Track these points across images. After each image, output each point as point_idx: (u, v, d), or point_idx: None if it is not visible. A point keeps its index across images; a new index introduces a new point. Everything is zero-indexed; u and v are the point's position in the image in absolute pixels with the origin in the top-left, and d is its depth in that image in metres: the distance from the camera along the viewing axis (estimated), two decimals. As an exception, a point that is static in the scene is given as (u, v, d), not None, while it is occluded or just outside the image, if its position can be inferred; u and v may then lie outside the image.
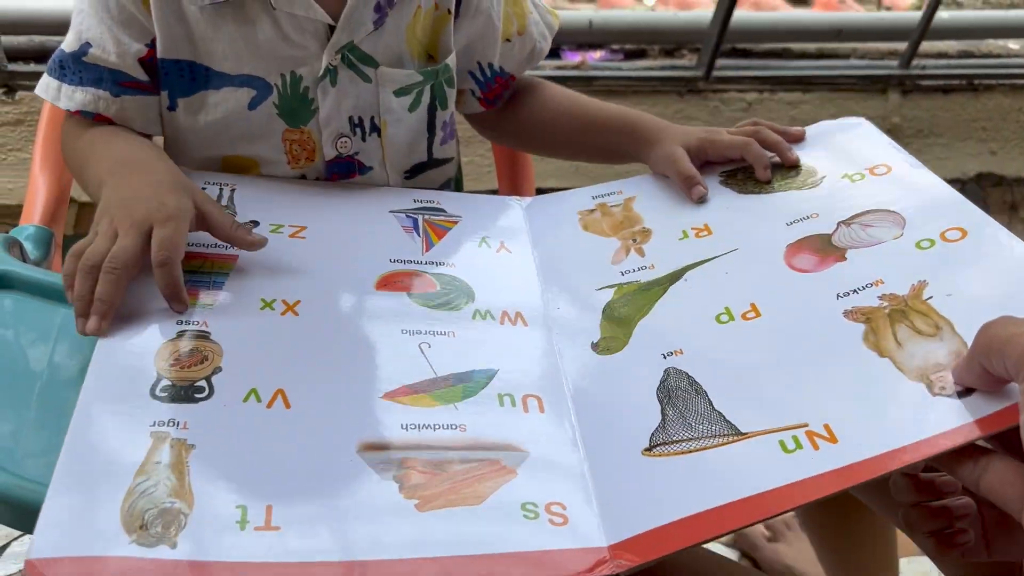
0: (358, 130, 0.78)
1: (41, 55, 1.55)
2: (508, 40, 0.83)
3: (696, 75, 1.85)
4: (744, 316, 0.61)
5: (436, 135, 0.83)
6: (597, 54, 1.91)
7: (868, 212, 0.66)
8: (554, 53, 1.87)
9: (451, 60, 0.81)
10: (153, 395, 0.54)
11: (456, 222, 0.76)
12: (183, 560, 0.45)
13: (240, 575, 0.45)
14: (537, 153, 0.97)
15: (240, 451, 0.52)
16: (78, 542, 0.45)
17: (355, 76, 0.75)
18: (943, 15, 2.05)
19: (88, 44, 0.72)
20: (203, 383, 0.56)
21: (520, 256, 0.73)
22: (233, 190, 0.74)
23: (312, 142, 0.77)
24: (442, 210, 0.78)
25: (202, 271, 0.65)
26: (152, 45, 0.73)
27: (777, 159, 0.76)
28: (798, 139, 0.78)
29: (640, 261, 0.70)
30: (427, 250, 0.72)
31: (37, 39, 1.56)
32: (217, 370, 0.56)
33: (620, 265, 0.70)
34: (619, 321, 0.64)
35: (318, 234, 0.71)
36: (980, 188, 2.14)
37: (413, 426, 0.55)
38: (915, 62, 2.03)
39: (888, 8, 2.55)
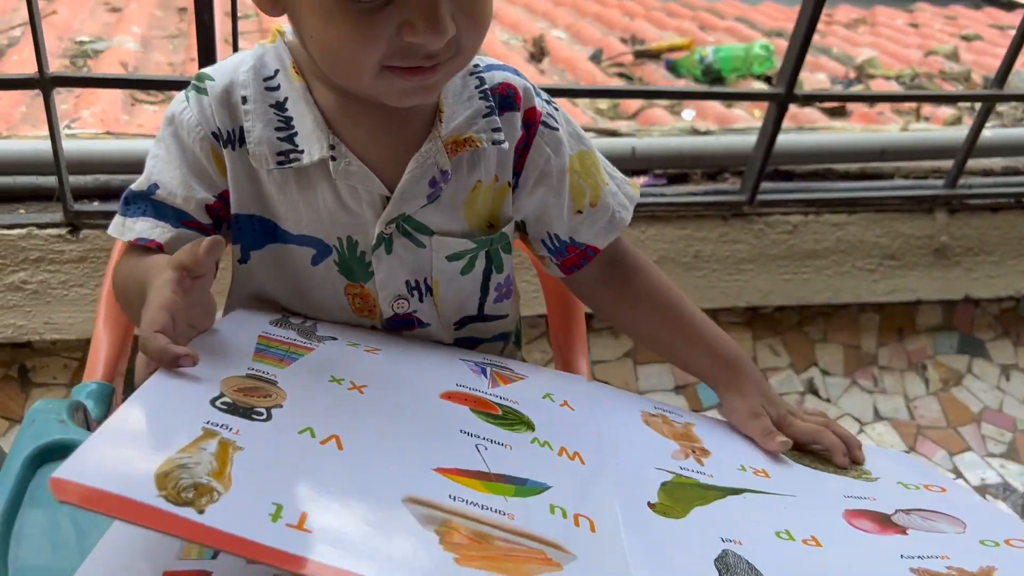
0: (415, 292, 0.79)
1: (105, 194, 1.61)
2: (580, 212, 0.83)
3: (740, 199, 1.86)
4: (804, 542, 0.60)
5: (489, 295, 0.85)
6: (640, 180, 1.93)
7: (928, 510, 0.67)
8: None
9: (508, 229, 0.82)
10: (212, 404, 0.55)
11: (523, 378, 0.77)
12: (206, 525, 0.44)
13: (260, 556, 0.43)
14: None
15: (285, 465, 0.51)
16: (108, 479, 0.44)
17: (409, 244, 0.77)
18: (987, 133, 2.06)
19: (156, 185, 0.74)
20: (262, 409, 0.56)
21: (582, 415, 0.73)
22: (315, 322, 0.77)
23: (372, 299, 0.79)
24: (510, 369, 0.79)
25: (279, 350, 0.67)
26: (220, 197, 0.75)
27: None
28: (856, 447, 0.80)
29: (699, 468, 0.69)
30: (493, 387, 0.73)
31: (102, 178, 1.61)
32: (278, 406, 0.57)
33: (680, 462, 0.69)
34: (677, 498, 0.63)
35: (391, 355, 0.74)
36: (1034, 306, 2.10)
37: (461, 499, 0.53)
38: (961, 180, 2.02)
39: (927, 119, 2.57)
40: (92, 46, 2.50)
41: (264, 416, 0.55)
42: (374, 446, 0.56)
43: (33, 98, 2.04)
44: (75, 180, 1.56)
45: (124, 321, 1.00)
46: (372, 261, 0.77)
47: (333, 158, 0.72)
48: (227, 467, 0.49)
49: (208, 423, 0.52)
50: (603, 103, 2.41)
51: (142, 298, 0.62)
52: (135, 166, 1.59)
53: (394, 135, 0.74)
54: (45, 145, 1.47)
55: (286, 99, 0.73)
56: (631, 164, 1.91)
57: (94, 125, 1.89)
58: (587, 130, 2.11)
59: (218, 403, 0.55)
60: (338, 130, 0.72)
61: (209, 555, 0.53)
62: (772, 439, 0.76)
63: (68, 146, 1.55)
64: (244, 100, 0.73)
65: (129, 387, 0.65)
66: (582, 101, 2.39)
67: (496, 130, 0.76)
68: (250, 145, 0.72)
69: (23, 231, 1.52)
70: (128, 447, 0.48)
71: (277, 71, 0.74)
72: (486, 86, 0.78)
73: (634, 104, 2.40)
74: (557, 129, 0.81)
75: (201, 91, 0.74)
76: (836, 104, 2.50)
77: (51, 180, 1.54)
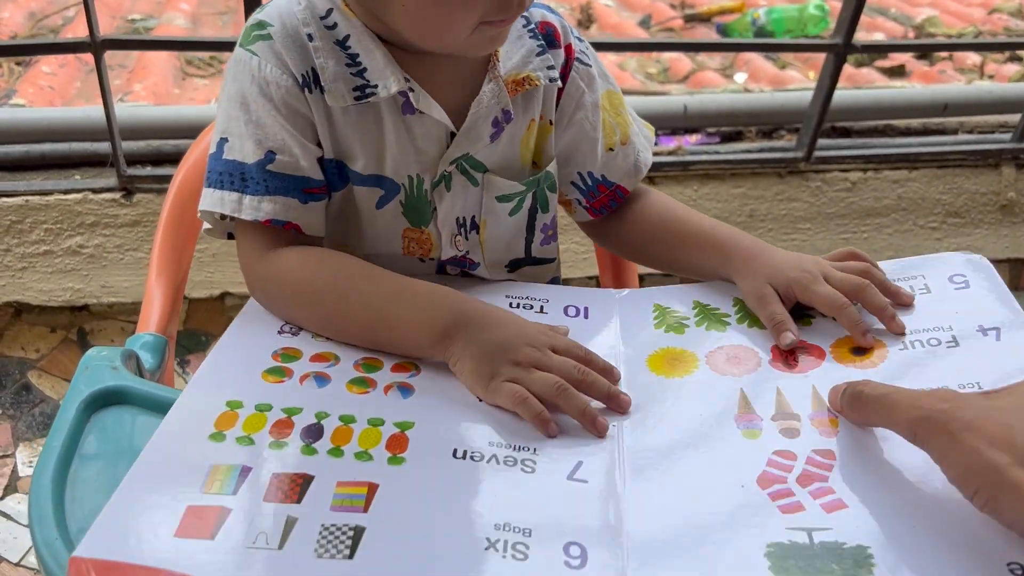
0: (462, 229, 0.78)
1: (157, 159, 1.62)
2: (611, 149, 0.82)
3: (797, 156, 1.81)
4: None
5: (536, 235, 0.83)
6: (693, 138, 1.89)
7: None
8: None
9: (552, 167, 0.81)
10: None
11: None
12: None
13: None
14: (640, 263, 0.95)
15: None
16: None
17: (466, 181, 0.76)
18: (1056, 85, 1.97)
19: (272, 152, 0.70)
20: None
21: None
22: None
23: (429, 242, 0.78)
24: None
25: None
26: (320, 146, 0.73)
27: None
28: (907, 304, 0.70)
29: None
30: None
31: (154, 143, 1.63)
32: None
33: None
34: None
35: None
36: (1108, 264, 2.02)
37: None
38: (1029, 134, 1.94)
39: (991, 76, 2.47)
40: (143, 24, 2.53)
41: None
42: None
43: (87, 74, 2.07)
44: (127, 146, 1.58)
45: (176, 277, 0.99)
46: (434, 199, 0.76)
47: (411, 89, 0.71)
48: None
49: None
50: (652, 67, 2.37)
51: (407, 315, 0.66)
52: (187, 131, 1.61)
53: (455, 73, 0.73)
54: (98, 111, 1.49)
55: (347, 36, 0.71)
56: (683, 122, 1.87)
57: (146, 98, 1.92)
58: (637, 93, 2.07)
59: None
60: (403, 67, 0.71)
61: (230, 491, 0.52)
62: (780, 335, 0.68)
63: (120, 112, 1.57)
64: (310, 38, 0.70)
65: (180, 347, 0.65)
66: (631, 66, 2.35)
67: (551, 68, 0.77)
68: (326, 83, 0.70)
69: (79, 196, 1.54)
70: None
71: (330, 10, 0.71)
72: (532, 24, 0.78)
73: (684, 68, 2.35)
74: (590, 66, 0.81)
75: (265, 38, 0.70)
76: (895, 63, 2.42)
77: (105, 146, 1.57)
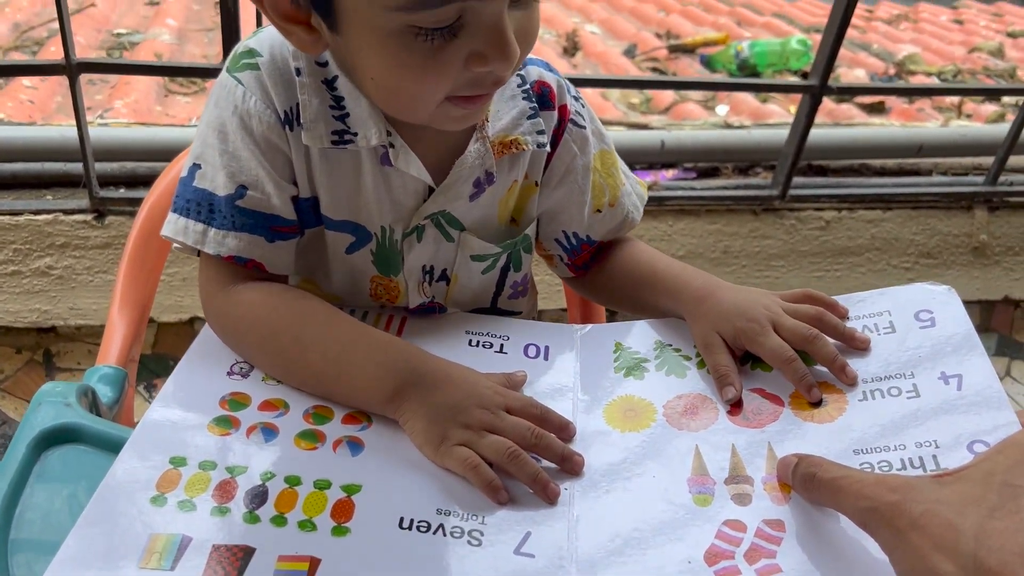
0: (428, 277, 0.78)
1: (131, 181, 1.62)
2: (599, 211, 0.81)
3: (772, 194, 1.82)
4: None
5: (504, 291, 0.83)
6: (669, 173, 1.90)
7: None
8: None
9: (531, 229, 0.80)
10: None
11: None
12: None
13: None
14: (607, 306, 0.94)
15: None
16: None
17: (440, 235, 0.75)
18: (1030, 129, 1.99)
19: (244, 187, 0.68)
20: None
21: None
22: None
23: (397, 290, 0.77)
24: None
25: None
26: (296, 184, 0.71)
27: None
28: (863, 350, 0.68)
29: None
30: None
31: (128, 165, 1.63)
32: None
33: None
34: None
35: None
36: (1078, 308, 2.03)
37: None
38: (1002, 178, 1.96)
39: (969, 115, 2.50)
40: (128, 38, 2.53)
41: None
42: None
43: (68, 89, 2.06)
44: (101, 167, 1.57)
45: (139, 306, 0.99)
46: (404, 248, 0.75)
47: (392, 144, 0.69)
48: None
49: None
50: (635, 98, 2.38)
51: (359, 369, 0.65)
52: (162, 153, 1.61)
53: (440, 129, 0.71)
54: (72, 132, 1.48)
55: (336, 77, 0.69)
56: (660, 157, 1.88)
57: (127, 115, 1.91)
58: (619, 124, 2.09)
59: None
60: (387, 117, 0.70)
61: (168, 565, 0.52)
62: (721, 389, 0.67)
63: (94, 133, 1.57)
64: (298, 72, 0.68)
65: (142, 372, 0.64)
66: (614, 96, 2.37)
67: (540, 132, 0.75)
68: (305, 121, 0.68)
69: (50, 216, 1.53)
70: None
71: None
72: (527, 84, 0.76)
73: (667, 99, 2.37)
74: (584, 127, 0.79)
75: (253, 67, 0.68)
76: (874, 100, 2.44)
77: (78, 167, 1.56)
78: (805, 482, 0.56)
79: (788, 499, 0.58)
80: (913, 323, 0.69)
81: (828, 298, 0.72)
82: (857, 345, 0.68)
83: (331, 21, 0.62)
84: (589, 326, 0.77)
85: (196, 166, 0.70)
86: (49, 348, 1.65)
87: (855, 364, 0.67)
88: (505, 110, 0.74)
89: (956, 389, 0.63)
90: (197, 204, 0.69)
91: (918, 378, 0.64)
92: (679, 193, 1.80)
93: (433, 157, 0.71)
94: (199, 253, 0.73)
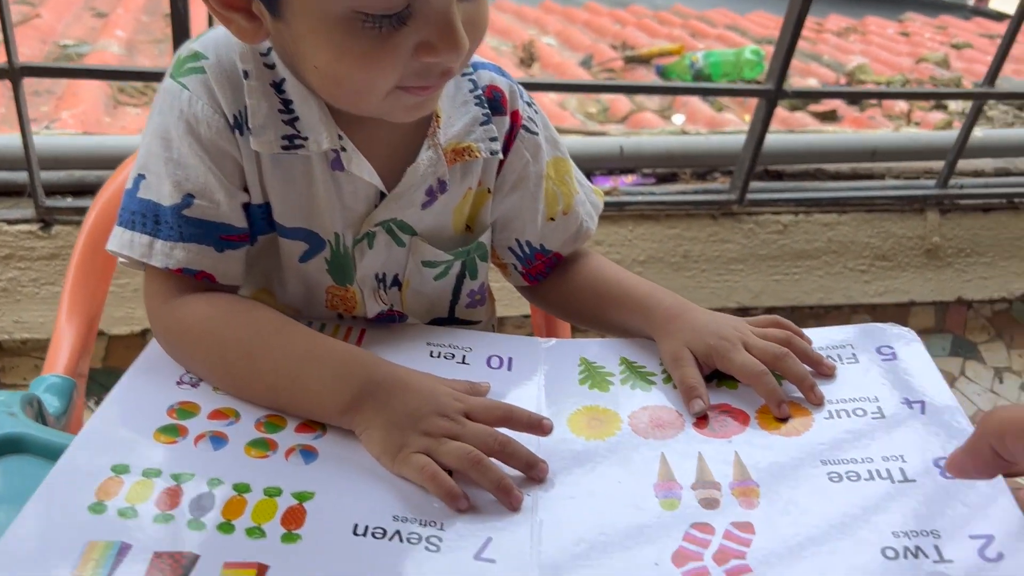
0: (381, 284, 0.76)
1: (79, 190, 1.57)
2: (552, 219, 0.80)
3: (730, 199, 1.83)
4: None
5: (461, 299, 0.81)
6: (629, 179, 1.91)
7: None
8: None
9: (486, 237, 0.78)
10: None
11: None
12: None
13: None
14: (570, 322, 0.92)
15: None
16: None
17: (391, 241, 0.74)
18: (977, 133, 2.04)
19: (191, 196, 0.66)
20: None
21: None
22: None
23: (354, 300, 0.75)
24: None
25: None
26: (247, 190, 0.69)
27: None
28: (829, 375, 0.68)
29: None
30: None
31: (76, 174, 1.58)
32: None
33: None
34: None
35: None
36: (1028, 308, 2.08)
37: None
38: (953, 181, 2.00)
39: (917, 123, 2.55)
40: (76, 50, 2.47)
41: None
42: None
43: (12, 99, 2.01)
44: (48, 176, 1.53)
45: (87, 317, 0.95)
46: (355, 255, 0.73)
47: (343, 148, 0.67)
48: None
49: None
50: (593, 107, 2.39)
51: (313, 380, 0.62)
52: (110, 161, 1.56)
53: (393, 132, 0.70)
54: (16, 139, 1.44)
55: (284, 80, 0.66)
56: (619, 163, 1.88)
57: (74, 127, 1.86)
58: (576, 132, 2.09)
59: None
60: (338, 122, 0.68)
61: (104, 573, 0.49)
62: (690, 402, 0.66)
63: (40, 141, 1.52)
64: (246, 75, 0.66)
65: (92, 387, 0.61)
66: (571, 105, 2.37)
67: (493, 139, 0.74)
68: (254, 126, 0.66)
69: (-7, 227, 1.48)
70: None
71: (270, 48, 0.67)
72: (479, 90, 0.74)
73: (624, 108, 2.38)
74: (537, 134, 0.78)
75: (198, 71, 0.66)
76: (827, 108, 2.48)
77: (23, 175, 1.51)
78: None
79: (756, 503, 0.57)
80: (875, 355, 0.71)
81: (795, 326, 0.72)
82: (823, 371, 0.68)
83: (273, 7, 0.60)
84: (554, 340, 0.76)
85: (140, 176, 0.67)
86: (-7, 363, 1.59)
87: (821, 388, 0.67)
88: (457, 116, 0.73)
89: (920, 412, 0.64)
90: (142, 216, 0.67)
91: (882, 402, 0.65)
92: (639, 198, 1.80)
93: (385, 164, 0.70)
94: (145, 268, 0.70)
